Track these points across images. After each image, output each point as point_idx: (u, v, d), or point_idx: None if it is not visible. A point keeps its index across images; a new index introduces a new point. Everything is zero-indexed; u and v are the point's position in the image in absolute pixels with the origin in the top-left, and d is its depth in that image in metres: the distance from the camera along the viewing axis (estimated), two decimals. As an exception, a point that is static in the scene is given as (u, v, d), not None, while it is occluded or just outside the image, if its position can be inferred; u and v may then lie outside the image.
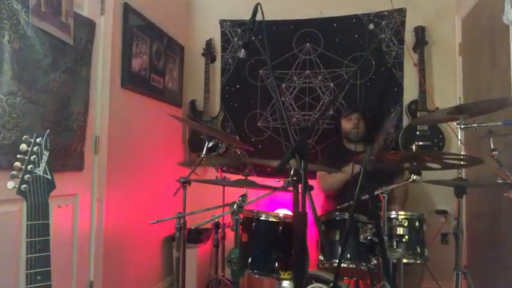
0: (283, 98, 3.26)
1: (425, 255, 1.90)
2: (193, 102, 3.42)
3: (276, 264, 1.84)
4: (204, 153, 2.05)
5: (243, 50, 1.53)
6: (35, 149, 1.16)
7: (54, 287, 1.16)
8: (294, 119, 3.25)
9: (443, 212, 2.88)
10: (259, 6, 1.49)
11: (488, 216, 2.40)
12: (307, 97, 3.24)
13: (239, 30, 3.42)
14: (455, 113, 1.74)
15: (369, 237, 1.82)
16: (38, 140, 1.17)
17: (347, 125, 2.69)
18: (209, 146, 2.05)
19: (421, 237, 1.92)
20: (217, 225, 2.42)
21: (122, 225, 2.50)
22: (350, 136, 2.67)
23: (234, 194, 2.32)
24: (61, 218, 1.99)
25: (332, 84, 3.20)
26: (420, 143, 2.88)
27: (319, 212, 2.37)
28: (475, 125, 1.72)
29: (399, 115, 3.05)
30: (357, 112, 2.68)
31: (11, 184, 1.12)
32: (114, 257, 2.40)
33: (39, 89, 1.76)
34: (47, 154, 1.19)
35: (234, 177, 2.83)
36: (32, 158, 1.16)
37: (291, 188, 1.13)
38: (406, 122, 3.02)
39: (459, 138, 1.80)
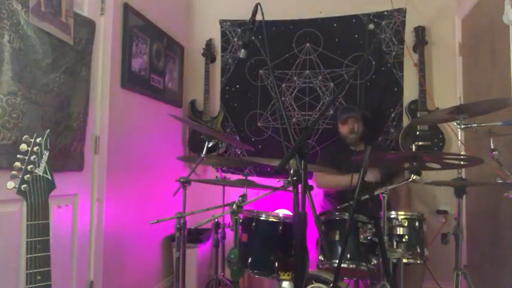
0: (283, 98, 3.26)
1: (425, 255, 1.90)
2: (193, 102, 3.42)
3: (276, 265, 1.84)
4: (204, 153, 2.05)
5: (243, 50, 1.53)
6: (35, 149, 1.16)
7: (54, 287, 1.16)
8: (294, 119, 3.25)
9: (443, 212, 2.88)
10: (259, 6, 1.49)
11: (488, 216, 2.39)
12: (307, 97, 3.24)
13: (239, 30, 3.42)
14: (455, 113, 1.74)
15: (369, 237, 1.82)
16: (38, 140, 1.17)
17: (343, 129, 2.67)
18: (209, 146, 2.05)
19: (421, 237, 1.92)
20: (217, 225, 2.42)
21: (122, 225, 2.50)
22: (348, 141, 2.67)
23: (234, 194, 2.33)
24: (61, 218, 1.99)
25: (332, 84, 3.20)
26: (420, 143, 2.88)
27: (318, 213, 2.37)
28: (475, 125, 1.72)
29: (399, 115, 3.05)
30: (353, 115, 2.65)
31: (11, 184, 1.12)
32: (114, 257, 2.41)
33: (39, 89, 1.76)
34: (47, 154, 1.19)
35: (234, 177, 2.84)
36: (32, 158, 1.16)
37: (291, 188, 1.14)
38: (406, 122, 3.02)
39: (459, 138, 1.80)
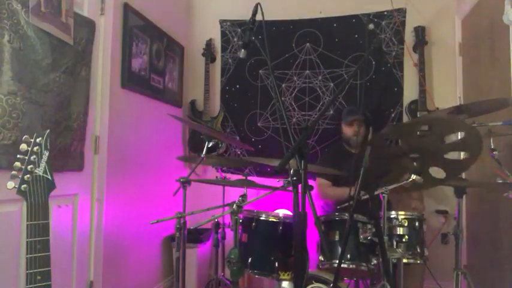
0: (283, 98, 3.26)
1: (425, 255, 1.90)
2: (193, 102, 3.42)
3: (276, 265, 1.84)
4: (204, 153, 2.05)
5: (243, 50, 1.53)
6: (35, 149, 1.16)
7: (54, 287, 1.16)
8: (294, 119, 3.25)
9: (443, 212, 2.88)
10: (259, 6, 1.49)
11: (488, 216, 2.39)
12: (307, 97, 3.24)
13: (239, 30, 3.42)
14: (455, 113, 1.74)
15: (369, 237, 1.82)
16: (38, 140, 1.17)
17: (348, 130, 2.66)
18: (209, 146, 2.05)
19: (421, 237, 1.92)
20: (217, 225, 2.42)
21: (122, 225, 2.50)
22: (350, 142, 2.66)
23: (234, 194, 2.33)
24: (61, 218, 2.00)
25: (332, 84, 3.20)
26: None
27: (318, 213, 2.37)
28: (475, 125, 1.72)
29: (399, 115, 3.05)
30: (359, 118, 2.62)
31: (11, 184, 1.12)
32: (114, 257, 2.41)
33: (39, 89, 1.76)
34: (47, 154, 1.19)
35: (234, 177, 2.84)
36: (32, 158, 1.16)
37: (291, 188, 1.13)
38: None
39: (459, 138, 1.80)
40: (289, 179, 1.12)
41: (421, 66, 2.94)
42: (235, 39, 3.43)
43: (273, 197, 3.04)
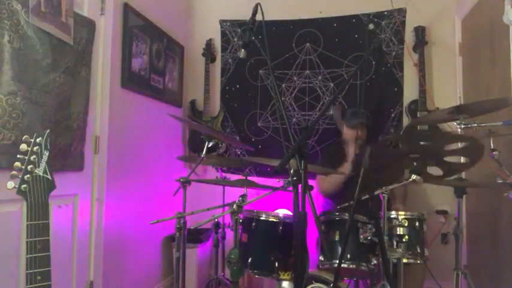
0: (283, 98, 3.26)
1: (425, 255, 1.89)
2: (193, 102, 3.42)
3: (276, 265, 1.84)
4: (204, 153, 2.05)
5: (243, 50, 1.53)
6: (35, 149, 1.16)
7: (54, 287, 1.16)
8: (294, 119, 3.25)
9: (443, 212, 2.88)
10: (259, 6, 1.49)
11: (488, 216, 2.39)
12: (307, 97, 3.24)
13: (239, 30, 3.42)
14: (455, 113, 1.73)
15: (369, 237, 1.82)
16: (38, 140, 1.17)
17: (350, 133, 2.64)
18: (209, 146, 2.05)
19: (421, 237, 1.92)
20: (217, 225, 2.42)
21: (122, 225, 2.50)
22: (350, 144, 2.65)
23: (234, 194, 2.33)
24: (61, 218, 2.00)
25: (332, 84, 3.20)
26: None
27: (319, 213, 2.37)
28: (475, 125, 1.72)
29: (399, 115, 3.05)
30: (362, 122, 2.59)
31: (11, 184, 1.12)
32: (114, 257, 2.41)
33: (39, 89, 1.76)
34: (47, 154, 1.19)
35: (234, 177, 2.84)
36: (32, 158, 1.16)
37: (291, 188, 1.13)
38: (406, 122, 3.02)
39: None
40: (289, 179, 1.12)
41: (421, 66, 2.94)
42: (235, 39, 3.43)
43: (273, 197, 3.04)
